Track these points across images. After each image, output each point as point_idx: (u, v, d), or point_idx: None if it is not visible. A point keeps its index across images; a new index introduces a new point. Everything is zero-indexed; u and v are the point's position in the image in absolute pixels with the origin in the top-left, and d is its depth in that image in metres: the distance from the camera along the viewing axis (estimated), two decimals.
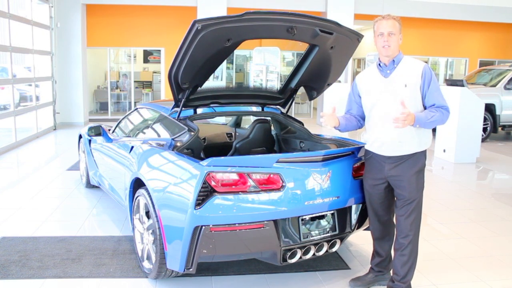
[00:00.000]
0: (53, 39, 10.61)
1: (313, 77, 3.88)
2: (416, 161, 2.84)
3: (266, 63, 11.88)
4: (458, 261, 3.65)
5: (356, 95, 3.04)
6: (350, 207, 3.19)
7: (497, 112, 9.72)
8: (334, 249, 3.15)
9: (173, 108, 3.76)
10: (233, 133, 4.79)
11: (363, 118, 3.07)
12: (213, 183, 2.70)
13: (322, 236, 3.03)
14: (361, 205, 3.22)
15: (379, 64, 2.89)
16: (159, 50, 13.25)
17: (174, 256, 2.80)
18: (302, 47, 3.70)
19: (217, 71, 12.55)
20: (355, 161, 3.22)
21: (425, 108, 2.81)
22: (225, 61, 5.22)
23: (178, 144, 3.38)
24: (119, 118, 5.30)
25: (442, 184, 6.31)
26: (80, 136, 5.60)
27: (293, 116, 4.62)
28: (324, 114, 2.91)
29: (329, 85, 3.95)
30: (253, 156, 3.11)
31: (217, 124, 5.55)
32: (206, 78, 3.45)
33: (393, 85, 2.80)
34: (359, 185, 3.17)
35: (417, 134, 2.80)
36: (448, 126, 7.40)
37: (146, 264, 3.22)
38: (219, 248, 2.74)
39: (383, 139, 2.85)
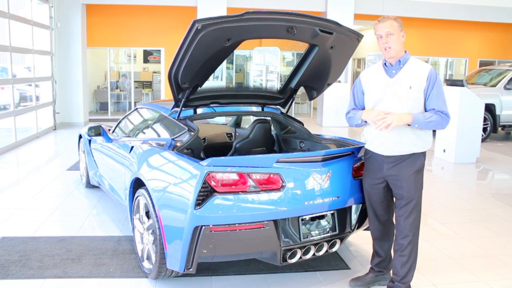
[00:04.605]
0: (53, 39, 10.61)
1: (313, 77, 3.88)
2: (415, 161, 2.83)
3: (266, 63, 11.86)
4: (458, 261, 3.65)
5: (360, 92, 3.01)
6: (350, 207, 3.19)
7: (497, 112, 9.73)
8: (334, 249, 3.14)
9: (173, 108, 3.76)
10: (233, 133, 4.78)
11: None
12: (213, 183, 2.70)
13: (322, 236, 3.03)
14: (361, 205, 3.22)
15: (385, 64, 2.87)
16: (159, 50, 13.25)
17: (174, 256, 2.80)
18: (302, 47, 3.70)
19: (217, 71, 12.55)
20: (355, 161, 3.22)
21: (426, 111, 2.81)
22: (225, 61, 5.22)
23: (178, 144, 3.38)
24: (119, 118, 5.30)
25: (442, 184, 6.31)
26: (80, 136, 5.60)
27: (293, 116, 4.62)
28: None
29: (329, 85, 3.95)
30: (253, 156, 3.10)
31: (217, 124, 5.54)
32: (206, 78, 3.44)
33: (398, 85, 2.79)
34: (359, 185, 3.16)
35: (416, 135, 2.80)
36: (448, 126, 7.38)
37: (146, 264, 3.22)
38: (219, 248, 2.74)
39: (383, 138, 2.84)
